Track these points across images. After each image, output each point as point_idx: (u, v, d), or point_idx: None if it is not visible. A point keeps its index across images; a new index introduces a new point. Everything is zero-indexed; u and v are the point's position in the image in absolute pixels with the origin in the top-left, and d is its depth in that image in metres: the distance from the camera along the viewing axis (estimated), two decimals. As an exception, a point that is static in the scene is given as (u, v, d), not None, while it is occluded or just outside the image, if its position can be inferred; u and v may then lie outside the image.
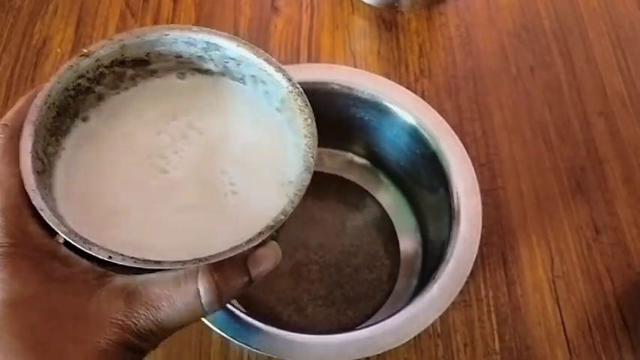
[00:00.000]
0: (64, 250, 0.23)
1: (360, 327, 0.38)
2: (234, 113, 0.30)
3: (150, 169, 0.27)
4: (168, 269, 0.23)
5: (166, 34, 0.28)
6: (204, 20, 0.60)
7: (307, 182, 0.25)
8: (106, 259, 0.22)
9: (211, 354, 0.43)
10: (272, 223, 0.24)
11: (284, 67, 0.29)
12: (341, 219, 0.50)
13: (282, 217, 0.24)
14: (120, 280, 0.23)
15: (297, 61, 0.57)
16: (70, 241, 0.22)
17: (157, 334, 0.23)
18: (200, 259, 0.23)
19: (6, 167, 0.23)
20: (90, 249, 0.22)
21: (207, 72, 0.30)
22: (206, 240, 0.25)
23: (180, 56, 0.29)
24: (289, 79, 0.28)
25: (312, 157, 0.26)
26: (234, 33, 0.59)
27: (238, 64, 0.29)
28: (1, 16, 0.60)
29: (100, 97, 0.28)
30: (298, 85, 0.28)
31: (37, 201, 0.23)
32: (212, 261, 0.23)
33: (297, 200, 0.25)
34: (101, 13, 0.60)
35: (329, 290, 0.47)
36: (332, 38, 0.59)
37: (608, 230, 0.48)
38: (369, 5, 0.60)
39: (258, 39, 0.58)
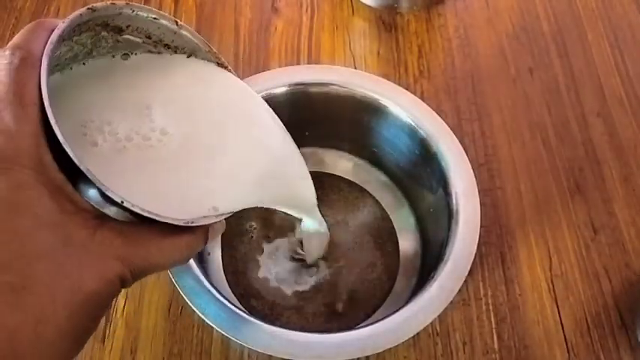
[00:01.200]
0: (70, 186, 0.24)
1: (359, 326, 0.39)
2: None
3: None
4: (163, 222, 0.26)
5: (156, 19, 0.30)
6: (204, 21, 0.60)
7: None
8: (118, 202, 0.24)
9: (212, 353, 0.43)
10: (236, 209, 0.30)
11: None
12: (341, 219, 0.50)
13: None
14: (116, 222, 0.26)
15: (298, 62, 0.57)
16: (91, 177, 0.23)
17: (144, 272, 0.27)
18: (191, 221, 0.27)
19: (30, 94, 0.24)
20: (106, 190, 0.24)
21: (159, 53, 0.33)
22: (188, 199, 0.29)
23: (150, 37, 0.31)
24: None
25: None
26: (235, 34, 0.59)
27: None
28: (3, 16, 0.60)
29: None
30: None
31: (61, 135, 0.23)
32: (200, 223, 0.28)
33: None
34: (102, 14, 0.60)
35: (329, 289, 0.47)
36: (332, 39, 0.59)
37: (606, 230, 0.49)
38: (368, 6, 0.61)
39: (258, 40, 0.59)
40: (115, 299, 0.45)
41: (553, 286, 0.46)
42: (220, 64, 0.34)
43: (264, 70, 0.53)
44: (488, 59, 0.58)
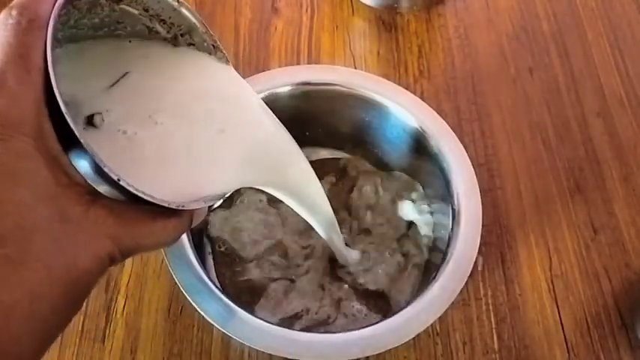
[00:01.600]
0: (66, 158, 0.24)
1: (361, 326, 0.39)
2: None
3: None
4: (155, 204, 0.26)
5: None
6: (204, 21, 0.60)
7: None
8: (115, 179, 0.24)
9: (212, 352, 0.43)
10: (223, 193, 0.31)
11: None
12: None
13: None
14: (108, 200, 0.25)
15: (298, 62, 0.57)
16: (88, 150, 0.23)
17: (132, 252, 0.26)
18: (182, 204, 0.27)
19: (36, 59, 0.23)
20: (103, 166, 0.23)
21: (155, 34, 0.33)
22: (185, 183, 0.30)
23: (147, 10, 0.31)
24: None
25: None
26: (235, 34, 0.59)
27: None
28: (3, 16, 0.60)
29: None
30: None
31: (62, 104, 0.23)
32: (191, 207, 0.28)
33: None
34: (102, 14, 0.60)
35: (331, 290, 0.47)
36: (332, 39, 0.59)
37: (606, 230, 0.49)
38: (368, 6, 0.61)
39: (258, 40, 0.59)
40: (114, 299, 0.45)
41: (553, 286, 0.46)
42: (216, 47, 0.34)
43: (264, 70, 0.53)
44: (488, 59, 0.58)
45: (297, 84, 0.47)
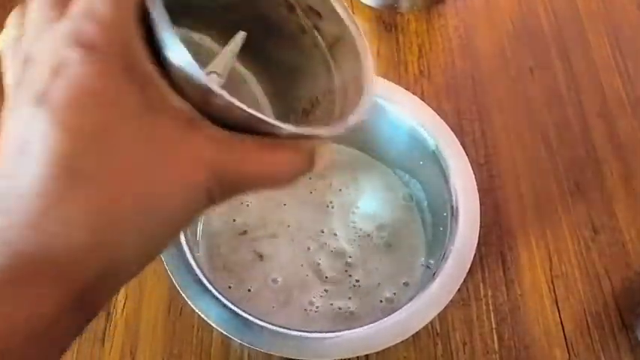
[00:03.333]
0: (165, 84, 0.21)
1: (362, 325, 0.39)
2: None
3: None
4: (266, 127, 0.21)
5: None
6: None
7: None
8: (217, 92, 0.20)
9: (211, 352, 0.43)
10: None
11: None
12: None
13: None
14: (210, 127, 0.21)
15: (298, 62, 0.57)
16: (180, 50, 0.20)
17: (235, 187, 0.22)
18: (297, 132, 0.21)
19: None
20: (208, 82, 0.20)
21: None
22: None
23: None
24: None
25: None
26: (235, 34, 0.59)
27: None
28: (2, 16, 0.60)
29: None
30: None
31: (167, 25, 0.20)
32: (312, 133, 0.22)
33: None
34: (102, 14, 0.60)
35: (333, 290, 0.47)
36: (332, 39, 0.59)
37: (607, 230, 0.49)
38: (368, 6, 0.61)
39: (258, 40, 0.59)
40: (114, 298, 0.45)
41: (553, 287, 0.46)
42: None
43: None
44: (488, 59, 0.58)
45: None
